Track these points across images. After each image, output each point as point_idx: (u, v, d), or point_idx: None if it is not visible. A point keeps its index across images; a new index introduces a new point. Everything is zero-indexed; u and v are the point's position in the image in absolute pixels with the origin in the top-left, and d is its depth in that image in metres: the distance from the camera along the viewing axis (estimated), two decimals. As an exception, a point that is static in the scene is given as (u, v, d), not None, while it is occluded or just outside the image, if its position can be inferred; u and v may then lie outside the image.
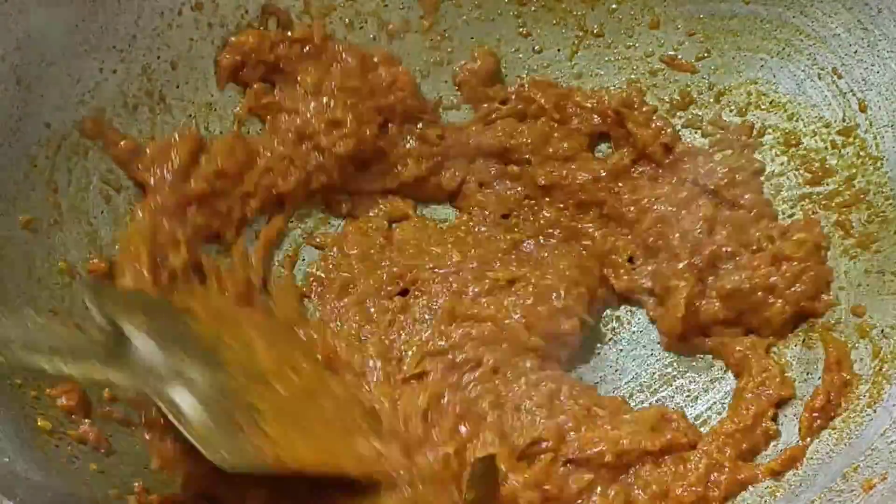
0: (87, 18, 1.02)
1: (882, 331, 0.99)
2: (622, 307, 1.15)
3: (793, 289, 1.04)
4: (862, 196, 1.05)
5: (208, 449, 0.87)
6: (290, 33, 1.14)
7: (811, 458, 0.95)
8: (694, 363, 1.11)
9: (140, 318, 0.93)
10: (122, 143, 1.06)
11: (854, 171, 1.07)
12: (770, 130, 1.13)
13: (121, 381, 0.88)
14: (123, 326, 0.91)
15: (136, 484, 0.91)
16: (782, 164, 1.12)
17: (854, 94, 1.07)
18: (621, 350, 1.13)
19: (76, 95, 1.03)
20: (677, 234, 1.08)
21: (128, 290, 1.00)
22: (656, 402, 1.09)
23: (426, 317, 1.07)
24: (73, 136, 1.03)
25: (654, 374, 1.11)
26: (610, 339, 1.14)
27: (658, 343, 1.12)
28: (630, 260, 1.14)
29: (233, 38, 1.12)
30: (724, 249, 1.06)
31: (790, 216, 1.10)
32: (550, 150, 1.16)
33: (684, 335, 1.08)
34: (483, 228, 1.16)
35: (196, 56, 1.11)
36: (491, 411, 1.01)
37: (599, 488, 0.97)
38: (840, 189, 1.07)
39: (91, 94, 1.04)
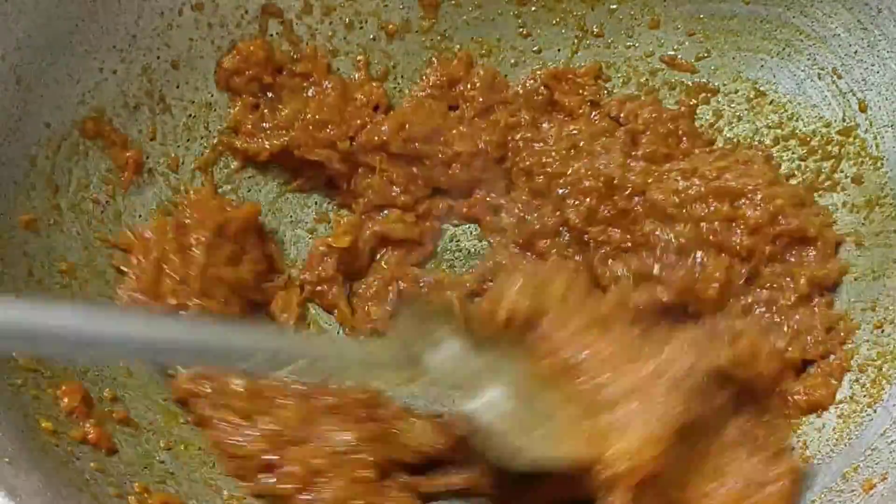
0: (87, 18, 1.02)
1: (882, 330, 0.99)
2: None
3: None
4: (862, 196, 1.05)
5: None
6: (294, 67, 1.15)
7: (811, 459, 0.95)
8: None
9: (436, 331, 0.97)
10: (128, 154, 1.07)
11: (854, 171, 1.07)
12: (770, 130, 1.13)
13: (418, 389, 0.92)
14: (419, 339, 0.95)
15: (136, 484, 0.91)
16: (783, 163, 1.12)
17: (854, 95, 1.07)
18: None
19: (76, 95, 1.03)
20: None
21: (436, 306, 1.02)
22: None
23: None
24: (73, 136, 1.03)
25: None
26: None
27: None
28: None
29: (240, 44, 1.12)
30: None
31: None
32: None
33: None
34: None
35: (196, 56, 1.11)
36: None
37: None
38: (840, 189, 1.07)
39: (91, 94, 1.04)
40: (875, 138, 1.06)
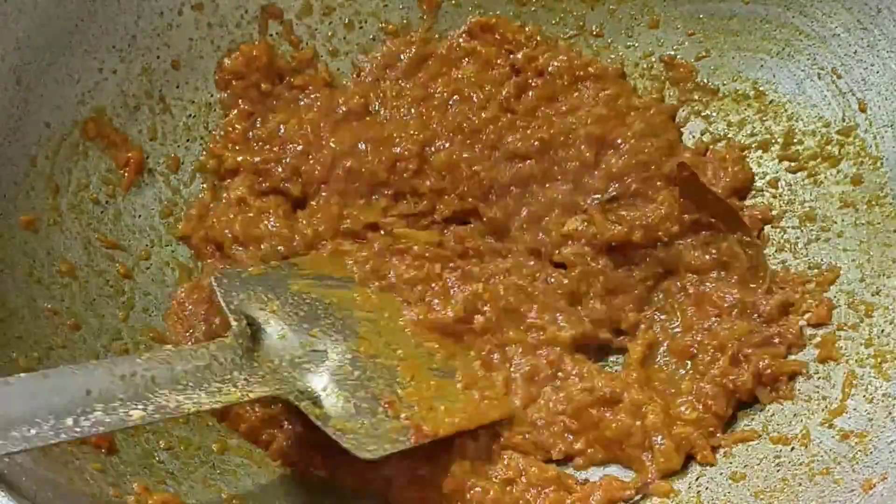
0: (87, 18, 1.02)
1: (882, 329, 0.99)
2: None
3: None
4: (862, 196, 1.05)
5: (352, 445, 0.90)
6: (292, 80, 1.15)
7: (810, 458, 0.95)
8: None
9: (270, 301, 0.98)
10: (128, 154, 1.07)
11: (854, 171, 1.07)
12: (769, 130, 1.13)
13: (258, 390, 0.89)
14: (255, 315, 0.95)
15: (136, 484, 0.90)
16: (782, 163, 1.12)
17: (854, 94, 1.07)
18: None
19: (76, 95, 1.03)
20: None
21: (252, 270, 1.02)
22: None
23: None
24: (73, 136, 1.03)
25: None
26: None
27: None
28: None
29: (243, 46, 1.12)
30: None
31: (787, 214, 1.10)
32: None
33: None
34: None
35: (196, 56, 1.11)
36: None
37: None
38: (840, 188, 1.07)
39: (91, 94, 1.04)
40: (875, 138, 1.06)
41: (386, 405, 0.95)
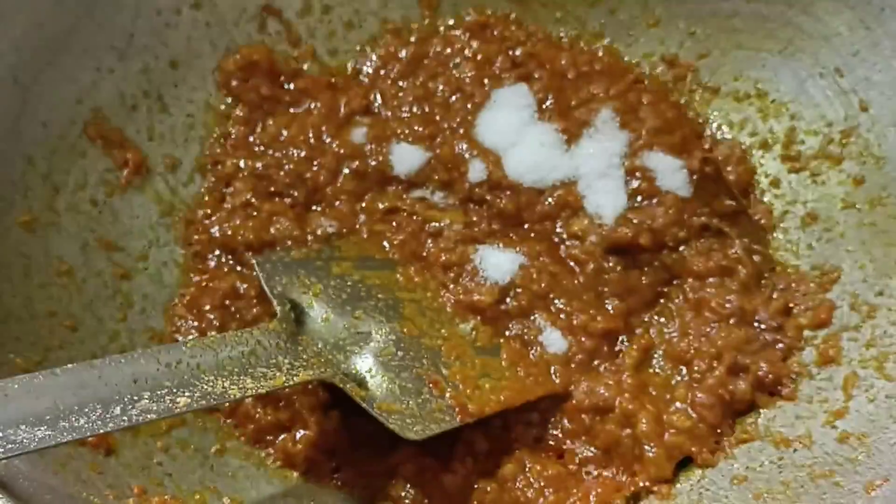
0: (85, 18, 1.01)
1: (885, 331, 0.99)
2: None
3: None
4: (864, 195, 1.05)
5: (397, 426, 0.91)
6: (292, 85, 1.14)
7: (812, 459, 0.95)
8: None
9: (313, 284, 0.99)
10: (127, 154, 1.07)
11: (857, 170, 1.06)
12: (771, 130, 1.13)
13: (304, 374, 0.90)
14: (298, 299, 0.96)
15: (135, 486, 0.90)
16: (784, 163, 1.12)
17: (856, 94, 1.07)
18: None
19: (74, 95, 1.02)
20: None
21: (294, 254, 1.03)
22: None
23: None
24: (71, 136, 1.03)
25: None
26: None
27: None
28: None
29: (243, 49, 1.12)
30: None
31: (788, 214, 1.10)
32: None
33: None
34: None
35: (194, 56, 1.11)
36: None
37: None
38: (842, 189, 1.07)
39: (89, 94, 1.04)
40: (877, 138, 1.05)
41: (431, 385, 0.96)
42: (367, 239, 1.08)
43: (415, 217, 1.10)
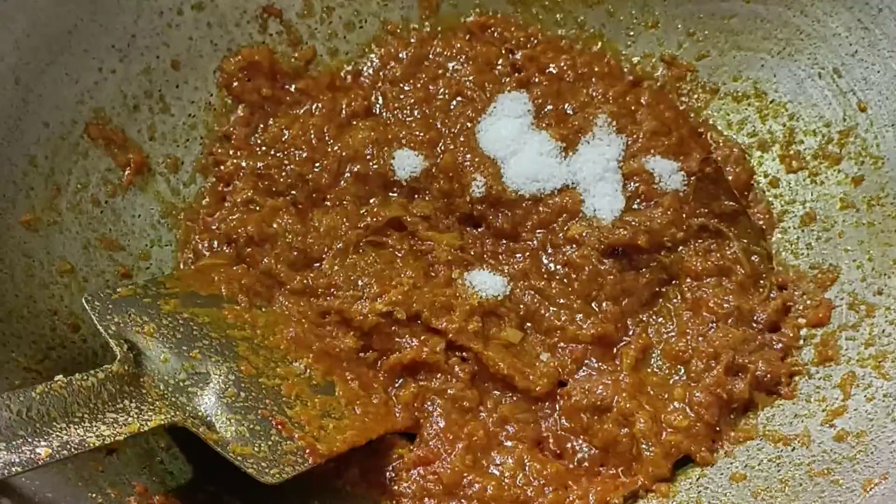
0: (86, 18, 1.02)
1: (883, 330, 0.99)
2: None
3: None
4: (863, 195, 1.05)
5: (254, 470, 0.88)
6: (293, 86, 1.14)
7: (810, 458, 0.95)
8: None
9: (145, 323, 0.93)
10: (129, 154, 1.07)
11: (855, 170, 1.06)
12: (770, 130, 1.13)
13: (155, 419, 0.86)
14: (134, 339, 0.91)
15: (137, 484, 0.90)
16: (783, 163, 1.12)
17: (854, 94, 1.07)
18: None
19: (75, 95, 1.03)
20: None
21: (121, 290, 0.97)
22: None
23: None
24: (73, 136, 1.03)
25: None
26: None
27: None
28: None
29: (244, 50, 1.12)
30: None
31: (787, 214, 1.10)
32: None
33: None
34: None
35: (196, 56, 1.11)
36: None
37: None
38: (841, 189, 1.07)
39: (90, 94, 1.04)
40: (876, 138, 1.05)
41: (280, 426, 0.93)
42: (194, 272, 1.05)
43: (414, 234, 1.10)
